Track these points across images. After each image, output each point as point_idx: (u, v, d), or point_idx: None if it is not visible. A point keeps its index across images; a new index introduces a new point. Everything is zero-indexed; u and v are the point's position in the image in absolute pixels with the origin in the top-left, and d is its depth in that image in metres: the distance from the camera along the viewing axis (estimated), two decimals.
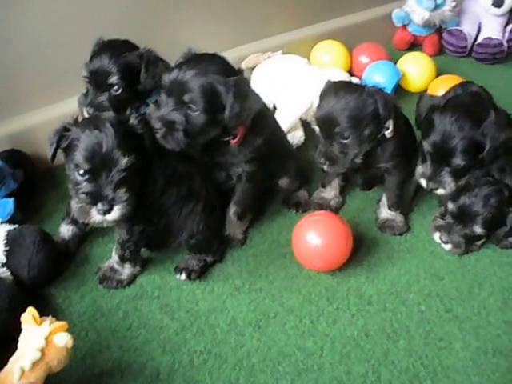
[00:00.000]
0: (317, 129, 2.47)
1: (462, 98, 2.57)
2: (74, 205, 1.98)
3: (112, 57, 2.38)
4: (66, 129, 2.01)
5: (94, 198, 1.94)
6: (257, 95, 2.30)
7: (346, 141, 2.34)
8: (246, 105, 2.20)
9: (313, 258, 2.35)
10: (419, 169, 2.52)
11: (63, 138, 2.01)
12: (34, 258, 2.22)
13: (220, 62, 2.26)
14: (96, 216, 1.97)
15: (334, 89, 2.41)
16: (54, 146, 2.02)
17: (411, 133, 2.70)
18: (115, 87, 2.40)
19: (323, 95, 2.42)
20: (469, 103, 2.51)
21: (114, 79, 2.38)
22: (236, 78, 2.20)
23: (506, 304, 2.32)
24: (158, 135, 2.16)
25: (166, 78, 2.18)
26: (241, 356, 2.11)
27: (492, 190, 2.41)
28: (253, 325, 2.22)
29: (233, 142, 2.34)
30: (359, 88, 2.39)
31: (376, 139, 2.42)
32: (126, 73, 2.40)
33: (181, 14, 3.13)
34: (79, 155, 1.93)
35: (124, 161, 1.94)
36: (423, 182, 2.51)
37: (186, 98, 2.14)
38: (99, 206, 1.94)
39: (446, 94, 2.69)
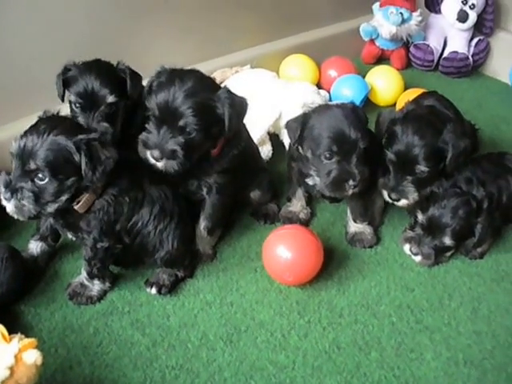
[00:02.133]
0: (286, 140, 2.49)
1: (420, 111, 2.65)
2: None
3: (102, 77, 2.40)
4: None
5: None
6: (241, 98, 2.33)
7: (362, 153, 2.39)
8: (239, 111, 2.28)
9: (283, 272, 2.35)
10: (381, 180, 2.55)
11: None
12: (1, 274, 2.18)
13: (201, 76, 2.30)
14: None
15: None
16: None
17: (375, 146, 2.71)
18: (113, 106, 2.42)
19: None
20: (427, 114, 2.60)
21: (111, 98, 2.39)
22: (223, 89, 2.25)
23: (476, 314, 2.34)
24: (159, 165, 2.19)
25: (153, 103, 2.18)
26: (213, 371, 2.10)
27: (460, 201, 2.43)
28: (224, 339, 2.21)
29: (213, 151, 2.35)
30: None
31: None
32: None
33: (149, 30, 3.13)
34: None
35: (35, 164, 1.97)
36: (385, 194, 2.55)
37: (182, 123, 2.15)
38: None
39: (402, 109, 2.72)
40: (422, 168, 2.44)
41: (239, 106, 2.28)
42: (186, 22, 3.28)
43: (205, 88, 2.22)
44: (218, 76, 3.44)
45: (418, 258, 2.52)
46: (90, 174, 2.04)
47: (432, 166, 2.45)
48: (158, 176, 2.29)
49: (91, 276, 2.29)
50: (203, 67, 3.34)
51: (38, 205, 2.01)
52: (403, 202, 2.51)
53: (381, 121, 2.61)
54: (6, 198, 2.01)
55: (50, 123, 2.05)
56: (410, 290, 2.44)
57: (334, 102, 2.81)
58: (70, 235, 2.25)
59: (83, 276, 2.31)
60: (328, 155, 2.33)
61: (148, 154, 2.20)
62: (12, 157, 2.02)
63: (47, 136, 1.99)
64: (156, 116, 2.19)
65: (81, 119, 2.37)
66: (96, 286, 2.32)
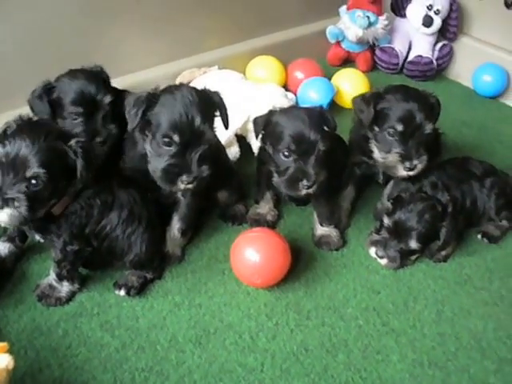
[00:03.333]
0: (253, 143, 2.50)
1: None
2: None
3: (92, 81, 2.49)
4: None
5: None
6: None
7: (322, 155, 2.39)
8: None
9: (251, 274, 2.36)
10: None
11: None
12: None
13: None
14: None
15: (291, 110, 2.52)
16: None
17: (342, 150, 2.75)
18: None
19: (288, 116, 2.45)
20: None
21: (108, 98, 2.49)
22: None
23: (440, 316, 2.38)
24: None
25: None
26: (182, 373, 2.11)
27: (426, 205, 2.47)
28: (193, 341, 2.22)
29: None
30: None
31: None
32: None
33: (117, 30, 3.14)
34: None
35: (33, 170, 1.94)
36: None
37: None
38: None
39: None
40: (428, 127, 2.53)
41: None
42: (155, 22, 3.29)
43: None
44: (186, 76, 3.45)
45: (383, 261, 2.56)
46: (85, 176, 2.06)
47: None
48: (126, 180, 2.30)
49: (60, 278, 2.28)
50: (172, 67, 3.42)
51: (31, 211, 1.98)
52: (418, 168, 2.54)
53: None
54: None
55: (39, 128, 2.04)
56: (376, 292, 2.48)
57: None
58: (38, 237, 2.23)
59: (52, 277, 2.30)
60: (286, 153, 2.35)
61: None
62: None
63: (43, 141, 1.97)
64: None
65: (81, 127, 2.41)
66: (65, 288, 2.31)
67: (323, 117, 2.44)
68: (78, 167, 2.05)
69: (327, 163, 2.42)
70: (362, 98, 2.61)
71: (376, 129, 2.59)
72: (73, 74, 2.47)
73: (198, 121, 2.16)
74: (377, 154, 2.63)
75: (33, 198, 1.97)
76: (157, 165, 2.22)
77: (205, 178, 2.23)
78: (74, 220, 2.15)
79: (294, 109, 2.50)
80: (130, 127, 2.24)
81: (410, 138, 2.51)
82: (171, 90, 2.26)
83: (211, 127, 2.23)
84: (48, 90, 2.44)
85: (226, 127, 2.38)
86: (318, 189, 2.38)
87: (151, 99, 2.20)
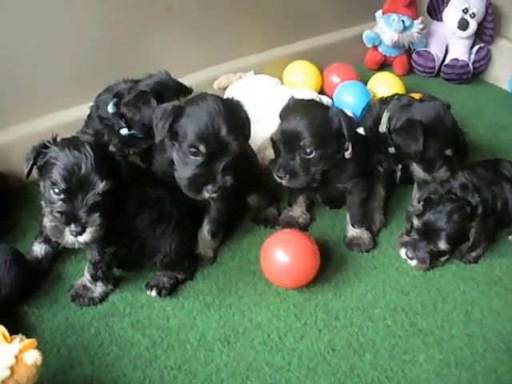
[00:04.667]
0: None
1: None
2: (48, 223, 2.00)
3: None
4: (44, 146, 2.03)
5: (68, 218, 1.97)
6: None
7: (309, 156, 2.40)
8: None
9: (280, 275, 2.40)
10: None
11: (40, 154, 2.03)
12: (5, 276, 2.23)
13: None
14: (68, 236, 1.99)
15: (300, 105, 2.49)
16: (31, 162, 2.03)
17: (369, 152, 2.76)
18: None
19: (288, 110, 2.49)
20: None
21: None
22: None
23: (469, 317, 2.38)
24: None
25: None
26: (210, 371, 2.15)
27: (455, 206, 2.48)
28: (222, 340, 2.26)
29: None
30: (324, 107, 2.47)
31: (335, 159, 2.49)
32: None
33: (154, 37, 3.18)
34: (57, 173, 1.95)
35: (101, 185, 1.97)
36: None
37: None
38: (72, 227, 1.97)
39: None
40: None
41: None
42: (189, 29, 3.32)
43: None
44: (223, 81, 3.50)
45: (413, 262, 2.57)
46: (127, 176, 2.16)
47: None
48: (156, 181, 2.37)
49: (95, 278, 2.35)
50: (208, 73, 3.47)
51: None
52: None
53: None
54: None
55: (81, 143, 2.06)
56: (405, 293, 2.49)
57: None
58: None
59: (86, 278, 2.37)
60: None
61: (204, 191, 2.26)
62: None
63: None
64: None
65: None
66: (98, 288, 2.38)
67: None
68: (122, 169, 2.11)
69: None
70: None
71: None
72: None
73: (223, 131, 2.19)
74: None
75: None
76: (183, 174, 2.26)
77: (228, 187, 2.26)
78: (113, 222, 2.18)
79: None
80: (157, 139, 2.29)
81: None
82: (197, 100, 2.27)
83: (236, 137, 2.24)
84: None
85: (248, 138, 2.43)
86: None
87: (177, 111, 2.23)
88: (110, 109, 2.49)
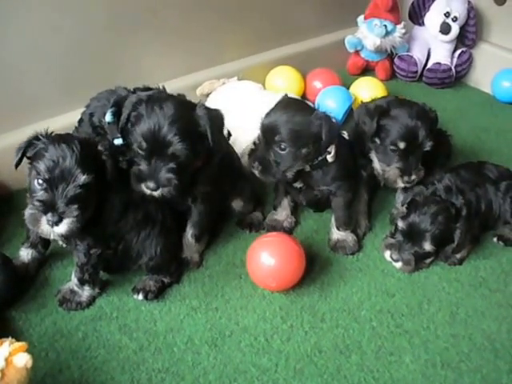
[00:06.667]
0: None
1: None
2: (27, 211, 2.03)
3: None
4: (36, 137, 2.09)
5: (47, 207, 2.00)
6: (216, 110, 2.42)
7: (282, 152, 2.43)
8: (219, 123, 2.40)
9: (266, 278, 2.40)
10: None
11: (31, 145, 2.08)
12: None
13: (177, 99, 2.33)
14: (45, 225, 2.02)
15: (286, 102, 2.52)
16: (21, 151, 2.08)
17: (353, 156, 2.77)
18: None
19: (276, 105, 2.52)
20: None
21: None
22: (199, 106, 2.33)
23: (454, 318, 2.40)
24: (156, 194, 2.25)
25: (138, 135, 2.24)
26: (197, 374, 2.15)
27: (439, 208, 2.50)
28: (209, 343, 2.26)
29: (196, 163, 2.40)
30: (310, 109, 2.48)
31: (314, 161, 2.52)
32: None
33: (138, 43, 3.19)
34: (42, 164, 2.00)
35: (82, 178, 2.01)
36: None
37: (171, 150, 2.22)
38: (49, 216, 2.00)
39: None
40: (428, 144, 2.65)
41: (217, 118, 2.36)
42: (174, 35, 3.34)
43: (184, 110, 2.28)
44: (206, 87, 3.50)
45: (398, 265, 2.58)
46: (114, 176, 2.19)
47: None
48: None
49: (82, 282, 2.34)
50: (191, 79, 3.47)
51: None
52: (415, 181, 2.68)
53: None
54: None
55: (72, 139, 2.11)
56: (391, 295, 2.50)
57: None
58: (61, 242, 2.28)
59: (73, 282, 2.36)
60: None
61: (143, 186, 2.25)
62: None
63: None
64: (143, 148, 2.24)
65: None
66: (85, 292, 2.37)
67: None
68: (108, 168, 2.15)
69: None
70: (366, 111, 2.68)
71: (377, 141, 2.67)
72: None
73: (164, 130, 2.19)
74: (376, 165, 2.72)
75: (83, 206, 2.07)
76: (134, 167, 2.31)
77: (172, 188, 2.25)
78: (98, 223, 2.22)
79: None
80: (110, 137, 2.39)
81: (410, 155, 2.62)
82: (153, 99, 2.28)
83: (183, 139, 2.21)
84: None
85: (215, 143, 2.34)
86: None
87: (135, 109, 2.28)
88: (108, 118, 2.46)
